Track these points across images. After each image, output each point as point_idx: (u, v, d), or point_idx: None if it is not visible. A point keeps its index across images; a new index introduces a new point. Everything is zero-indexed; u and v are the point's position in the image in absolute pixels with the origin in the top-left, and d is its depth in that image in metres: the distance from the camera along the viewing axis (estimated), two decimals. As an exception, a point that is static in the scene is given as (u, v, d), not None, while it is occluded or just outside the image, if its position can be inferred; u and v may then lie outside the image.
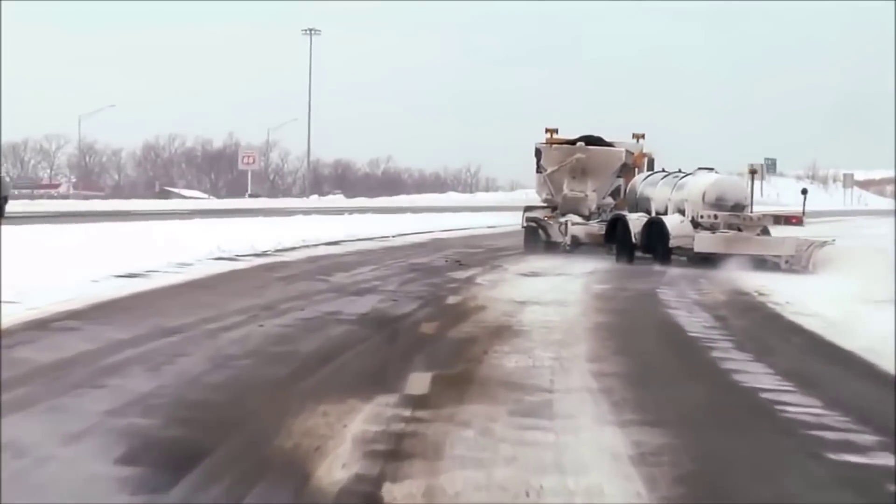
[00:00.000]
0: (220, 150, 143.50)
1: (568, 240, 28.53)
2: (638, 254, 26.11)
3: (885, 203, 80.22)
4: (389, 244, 29.77)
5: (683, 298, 18.15)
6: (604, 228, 27.80)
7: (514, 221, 45.63)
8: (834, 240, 26.03)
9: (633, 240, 25.99)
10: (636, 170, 29.97)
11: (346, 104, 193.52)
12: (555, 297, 17.38)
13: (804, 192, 32.84)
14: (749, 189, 28.13)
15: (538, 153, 30.51)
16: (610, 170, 30.10)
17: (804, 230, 27.49)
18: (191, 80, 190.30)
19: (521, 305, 15.66)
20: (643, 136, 31.08)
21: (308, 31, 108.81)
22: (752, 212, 26.79)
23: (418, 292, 17.02)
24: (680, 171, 27.18)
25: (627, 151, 30.16)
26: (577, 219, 28.96)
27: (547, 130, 30.86)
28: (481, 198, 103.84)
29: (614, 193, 30.17)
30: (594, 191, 29.67)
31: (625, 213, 27.39)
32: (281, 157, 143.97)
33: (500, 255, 26.73)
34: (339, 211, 54.90)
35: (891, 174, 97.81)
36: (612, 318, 14.71)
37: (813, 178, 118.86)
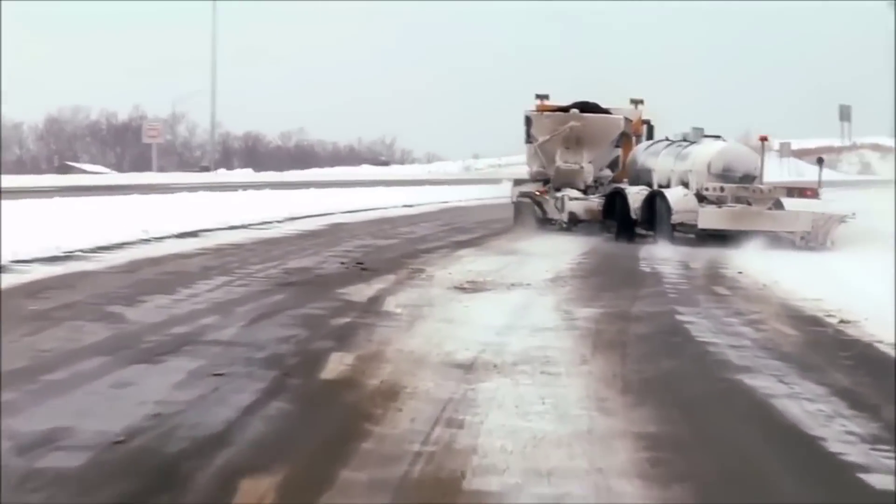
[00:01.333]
0: (125, 123, 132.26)
1: (565, 217, 25.36)
2: (640, 231, 23.35)
3: (825, 174, 73.34)
4: (270, 234, 21.45)
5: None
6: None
7: (434, 199, 37.84)
8: (854, 214, 22.89)
9: (633, 216, 23.31)
10: (635, 139, 26.86)
11: (256, 75, 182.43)
12: (525, 342, 9.55)
13: (820, 161, 29.11)
14: (760, 159, 24.09)
15: (528, 121, 27.23)
16: (607, 139, 26.72)
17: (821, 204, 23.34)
18: (95, 50, 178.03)
19: (465, 376, 7.94)
20: (642, 102, 27.76)
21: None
22: (762, 183, 23.51)
23: (274, 345, 9.01)
24: (685, 139, 24.16)
25: (626, 119, 26.89)
26: (576, 193, 25.70)
27: (537, 96, 27.48)
28: (397, 171, 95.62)
29: (612, 165, 26.76)
30: (590, 162, 26.39)
31: (624, 186, 24.52)
32: (189, 130, 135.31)
33: (421, 251, 18.83)
34: (237, 187, 45.14)
35: (828, 143, 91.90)
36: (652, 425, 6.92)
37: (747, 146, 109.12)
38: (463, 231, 24.72)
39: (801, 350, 9.81)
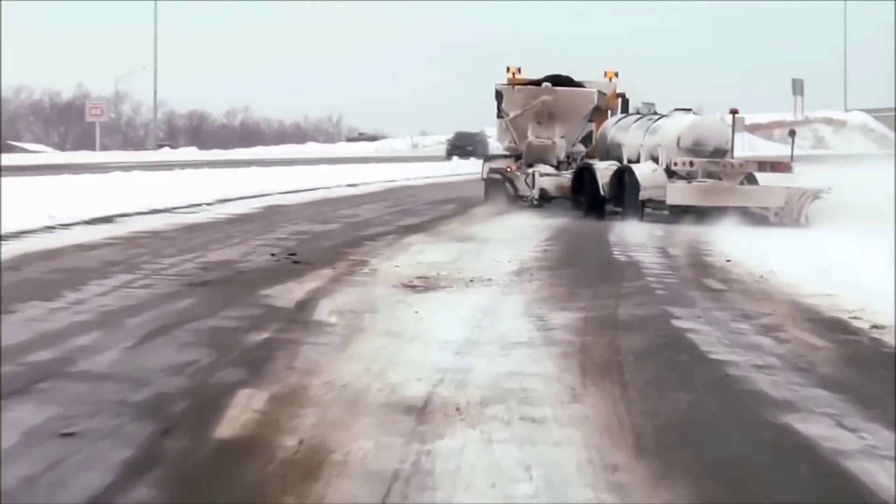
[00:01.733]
0: (69, 101, 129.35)
1: (536, 193, 24.61)
2: (610, 208, 22.56)
3: (778, 148, 71.80)
4: (195, 219, 19.02)
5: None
6: None
7: (380, 178, 35.79)
8: (830, 189, 22.01)
9: (602, 192, 22.43)
10: (609, 112, 26.20)
11: (201, 52, 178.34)
12: (493, 366, 7.30)
13: (792, 133, 28.31)
14: (731, 133, 23.51)
15: (499, 95, 26.52)
16: (580, 113, 26.02)
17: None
18: (37, 29, 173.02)
19: (418, 428, 5.70)
20: (616, 75, 27.10)
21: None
22: (733, 158, 22.93)
23: (161, 379, 6.62)
24: (655, 112, 23.59)
25: (600, 92, 26.11)
26: (548, 169, 25.03)
27: (508, 69, 26.75)
28: (343, 149, 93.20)
29: (585, 140, 26.12)
30: (563, 137, 25.74)
31: (593, 161, 23.81)
32: (133, 109, 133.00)
33: (364, 238, 16.51)
34: (175, 166, 41.25)
35: (780, 117, 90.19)
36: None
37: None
38: (411, 213, 22.55)
39: (843, 371, 7.62)
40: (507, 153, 26.89)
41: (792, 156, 24.27)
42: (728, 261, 14.36)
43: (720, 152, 22.45)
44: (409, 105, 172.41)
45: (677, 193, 21.22)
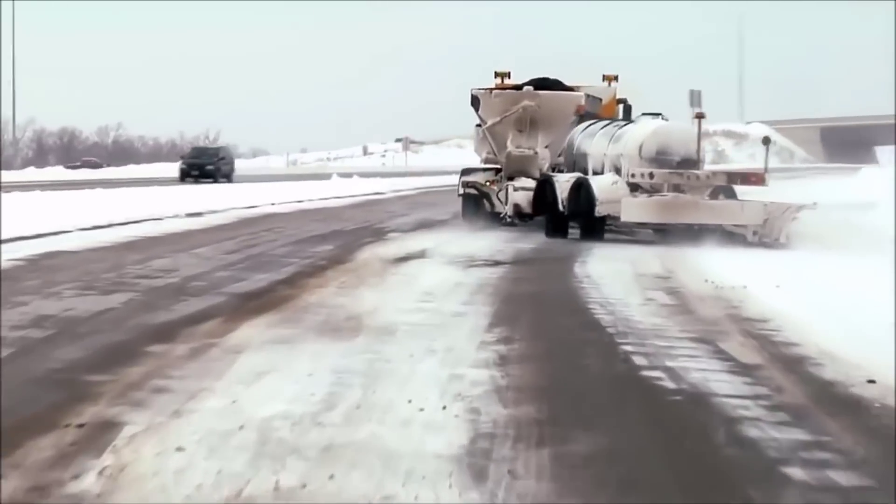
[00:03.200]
0: None
1: (509, 210, 22.49)
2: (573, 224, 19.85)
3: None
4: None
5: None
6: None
7: (238, 203, 28.01)
8: (815, 203, 18.74)
9: (561, 208, 19.98)
10: None
11: (73, 67, 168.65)
12: None
13: (766, 141, 24.37)
14: (698, 139, 20.21)
15: (475, 101, 24.05)
16: (567, 120, 22.72)
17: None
18: None
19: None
20: (615, 79, 24.71)
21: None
22: (702, 168, 20.14)
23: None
24: (626, 120, 22.32)
25: (589, 96, 23.45)
26: (524, 182, 22.41)
27: (497, 74, 24.51)
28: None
29: None
30: (546, 147, 23.29)
31: (553, 174, 21.64)
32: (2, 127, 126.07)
33: (147, 335, 8.53)
34: (24, 187, 35.66)
35: (723, 127, 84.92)
36: None
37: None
38: (263, 264, 14.48)
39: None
40: (486, 166, 24.38)
41: (766, 167, 20.73)
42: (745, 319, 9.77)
43: (688, 162, 19.72)
44: (289, 122, 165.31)
45: (633, 209, 18.75)
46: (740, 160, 76.76)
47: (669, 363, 7.66)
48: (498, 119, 23.65)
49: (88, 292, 11.35)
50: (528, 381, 7.01)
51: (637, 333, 9.10)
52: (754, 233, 18.67)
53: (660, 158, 19.59)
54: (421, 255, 16.06)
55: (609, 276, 13.60)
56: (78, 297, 10.91)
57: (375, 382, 6.71)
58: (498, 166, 23.78)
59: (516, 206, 22.22)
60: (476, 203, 23.69)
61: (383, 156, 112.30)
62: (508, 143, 23.51)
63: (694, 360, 7.86)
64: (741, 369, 7.54)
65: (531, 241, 19.34)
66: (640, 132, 20.05)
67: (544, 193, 20.93)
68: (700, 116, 20.97)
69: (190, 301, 10.76)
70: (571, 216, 19.85)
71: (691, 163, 19.82)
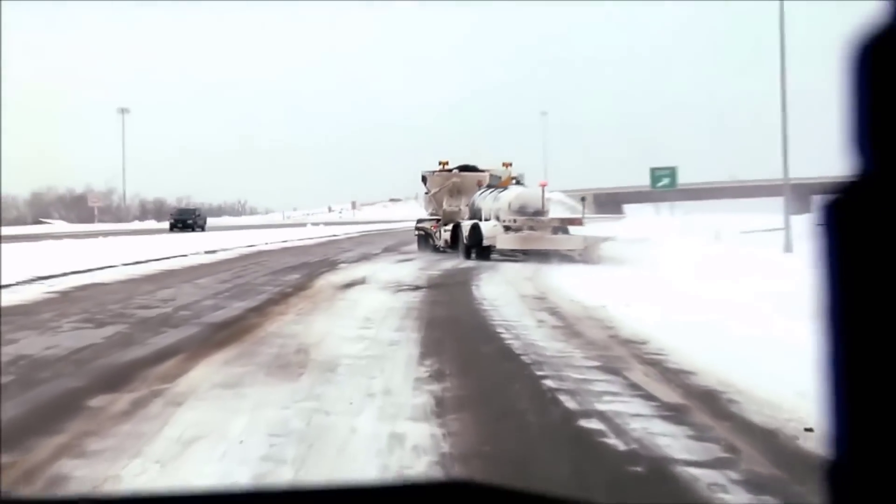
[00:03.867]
0: (80, 194, 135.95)
1: (441, 243, 33.36)
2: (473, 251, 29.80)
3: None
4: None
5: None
6: None
7: (242, 244, 39.88)
8: (615, 237, 30.60)
9: (464, 240, 30.47)
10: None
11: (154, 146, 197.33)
12: None
13: (583, 199, 33.91)
14: (542, 198, 30.38)
15: (424, 178, 36.04)
16: (477, 189, 33.47)
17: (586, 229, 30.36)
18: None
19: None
20: (511, 164, 35.33)
21: None
22: (546, 215, 30.25)
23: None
24: (504, 187, 32.17)
25: (492, 175, 34.32)
26: (449, 227, 32.94)
27: (440, 163, 35.61)
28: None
29: None
30: (466, 206, 33.51)
31: (461, 220, 32.26)
32: (119, 197, 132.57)
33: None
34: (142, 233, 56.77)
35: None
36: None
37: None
38: (241, 296, 15.56)
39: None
40: (431, 217, 35.54)
41: (584, 214, 31.30)
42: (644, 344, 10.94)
43: (539, 213, 29.92)
44: (287, 188, 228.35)
45: (505, 240, 29.13)
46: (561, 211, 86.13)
47: (599, 406, 7.59)
48: (438, 189, 34.99)
49: (85, 325, 12.02)
50: (472, 444, 6.37)
51: (550, 363, 9.49)
52: (579, 255, 27.53)
53: (521, 210, 29.74)
54: (362, 281, 20.15)
55: (500, 298, 16.35)
56: (71, 332, 11.47)
57: (310, 452, 6.10)
58: (437, 217, 34.65)
59: (445, 241, 32.57)
60: (425, 239, 34.90)
61: (340, 212, 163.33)
62: (444, 203, 34.67)
63: (619, 400, 7.81)
64: (672, 414, 7.34)
65: (439, 267, 25.44)
66: (509, 195, 30.50)
67: (457, 233, 31.49)
68: (543, 185, 31.12)
69: (168, 333, 11.59)
70: (471, 246, 29.68)
71: (539, 212, 29.88)
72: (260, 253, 34.62)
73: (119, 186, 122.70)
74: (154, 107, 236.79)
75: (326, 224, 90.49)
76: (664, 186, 45.42)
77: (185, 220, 71.40)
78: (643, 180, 46.53)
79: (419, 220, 36.44)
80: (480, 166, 35.33)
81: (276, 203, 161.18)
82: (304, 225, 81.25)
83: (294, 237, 50.61)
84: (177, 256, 28.80)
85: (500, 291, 17.80)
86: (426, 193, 35.89)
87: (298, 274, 22.34)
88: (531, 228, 29.18)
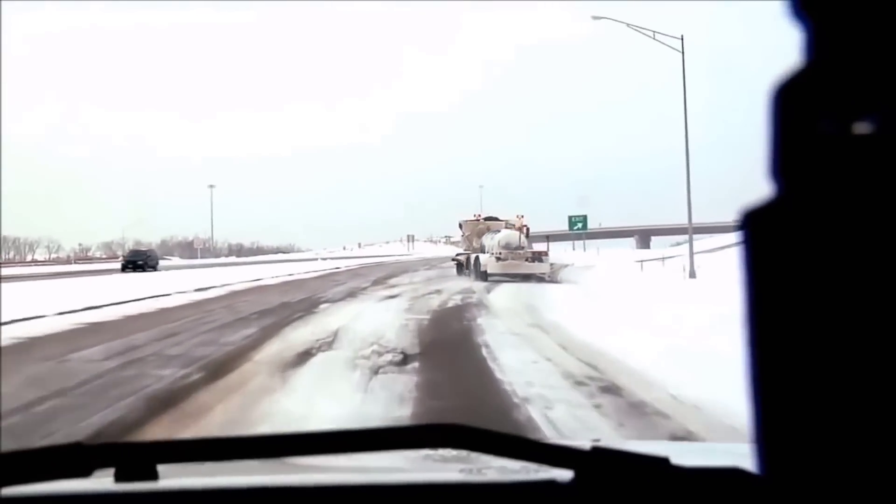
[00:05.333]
0: (190, 240, 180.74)
1: (473, 271, 43.11)
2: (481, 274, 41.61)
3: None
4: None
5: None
6: None
7: (251, 277, 47.54)
8: (574, 263, 45.19)
9: (471, 267, 43.61)
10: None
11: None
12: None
13: (548, 238, 54.27)
14: (521, 238, 44.05)
15: (461, 225, 51.51)
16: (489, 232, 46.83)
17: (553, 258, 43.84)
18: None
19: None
20: (523, 216, 48.01)
21: None
22: (523, 250, 42.87)
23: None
24: (498, 230, 45.42)
25: (508, 223, 47.45)
26: (477, 257, 43.95)
27: (474, 215, 51.32)
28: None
29: None
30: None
31: (477, 254, 44.33)
32: (215, 240, 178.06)
33: None
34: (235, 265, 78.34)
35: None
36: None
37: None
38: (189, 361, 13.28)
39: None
40: (462, 251, 50.24)
41: (548, 248, 47.33)
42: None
43: (520, 248, 42.66)
44: (310, 229, 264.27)
45: (494, 267, 40.83)
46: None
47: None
48: (470, 232, 48.73)
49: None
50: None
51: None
52: (548, 277, 39.69)
53: (507, 246, 42.11)
54: (330, 342, 15.12)
55: (508, 355, 13.23)
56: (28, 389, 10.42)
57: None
58: (469, 252, 47.36)
59: (474, 268, 43.26)
60: (460, 267, 47.55)
61: (351, 249, 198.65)
62: (473, 242, 47.41)
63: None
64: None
65: (429, 306, 23.25)
66: (500, 235, 43.29)
67: (469, 261, 45.20)
68: (524, 226, 46.18)
69: (92, 420, 8.76)
70: (477, 271, 41.79)
71: (520, 248, 42.53)
72: (252, 290, 33.06)
73: (211, 233, 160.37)
74: (235, 180, 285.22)
75: (336, 258, 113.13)
76: (578, 229, 60.88)
77: (136, 262, 72.36)
78: (563, 224, 62.87)
79: (457, 255, 51.82)
80: (500, 217, 49.23)
81: (315, 243, 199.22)
82: (315, 259, 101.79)
83: (302, 270, 60.13)
84: (159, 296, 28.78)
85: (508, 343, 14.96)
86: (462, 235, 51.40)
87: (255, 327, 17.72)
88: (514, 258, 41.03)
